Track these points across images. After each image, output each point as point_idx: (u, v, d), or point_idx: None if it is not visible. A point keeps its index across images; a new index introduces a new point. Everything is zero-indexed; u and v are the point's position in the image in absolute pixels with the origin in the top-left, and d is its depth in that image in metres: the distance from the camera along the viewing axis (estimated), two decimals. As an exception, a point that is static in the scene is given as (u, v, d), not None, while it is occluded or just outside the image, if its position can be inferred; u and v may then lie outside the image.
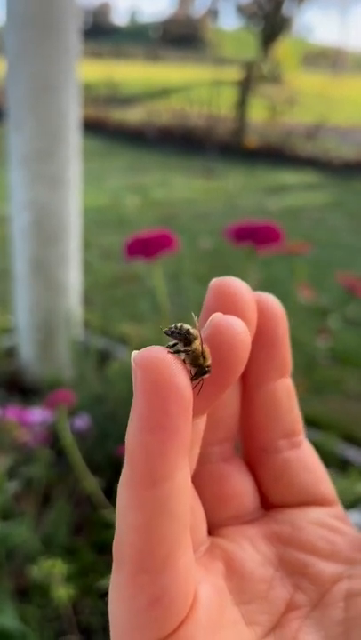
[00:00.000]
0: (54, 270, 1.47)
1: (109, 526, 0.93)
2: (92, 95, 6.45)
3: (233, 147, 5.43)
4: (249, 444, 0.22)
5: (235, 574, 0.19)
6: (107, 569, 0.97)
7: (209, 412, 0.19)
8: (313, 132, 5.82)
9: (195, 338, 0.17)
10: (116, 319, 1.94)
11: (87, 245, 2.50)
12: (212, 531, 0.21)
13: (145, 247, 0.49)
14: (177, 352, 0.16)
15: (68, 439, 0.81)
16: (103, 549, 1.05)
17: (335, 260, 2.72)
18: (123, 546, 0.16)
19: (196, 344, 0.17)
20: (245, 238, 0.59)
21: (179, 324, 0.17)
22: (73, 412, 1.06)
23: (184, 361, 0.16)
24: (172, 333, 0.17)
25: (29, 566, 0.86)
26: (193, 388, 0.16)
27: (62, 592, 0.80)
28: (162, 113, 6.43)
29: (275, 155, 5.37)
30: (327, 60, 13.36)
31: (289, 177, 4.75)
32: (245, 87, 5.82)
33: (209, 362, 0.17)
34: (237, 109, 5.81)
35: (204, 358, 0.17)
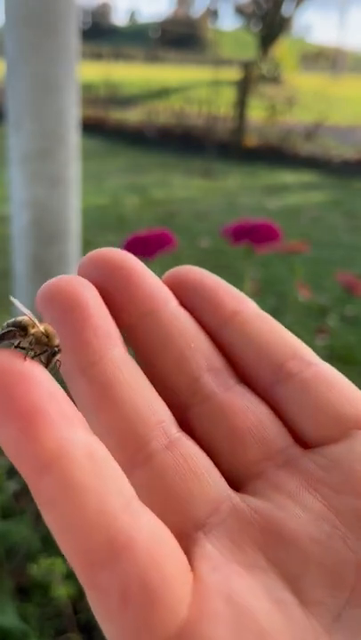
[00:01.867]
0: (54, 270, 1.47)
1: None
2: (92, 95, 6.45)
3: (232, 146, 5.43)
4: (254, 384, 0.18)
5: (275, 542, 0.14)
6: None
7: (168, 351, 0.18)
8: (312, 132, 5.83)
9: (26, 324, 0.16)
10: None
11: (87, 245, 2.50)
12: (236, 487, 0.16)
13: (144, 246, 0.49)
14: (17, 347, 0.16)
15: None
16: (103, 548, 1.05)
17: (334, 259, 2.72)
18: (62, 550, 0.13)
19: (32, 329, 0.16)
20: (244, 237, 0.59)
21: (10, 320, 0.17)
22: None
23: (33, 355, 0.15)
24: (4, 334, 0.16)
25: (29, 565, 0.86)
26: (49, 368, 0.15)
27: (62, 590, 0.81)
28: (161, 113, 6.43)
29: (274, 154, 5.37)
30: (326, 59, 13.37)
31: (288, 176, 4.76)
32: (244, 87, 5.83)
33: (56, 341, 0.16)
34: (236, 109, 5.81)
35: (47, 337, 0.16)
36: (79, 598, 0.96)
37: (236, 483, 0.16)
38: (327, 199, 4.12)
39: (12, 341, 0.16)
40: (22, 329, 0.16)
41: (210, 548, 0.14)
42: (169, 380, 0.17)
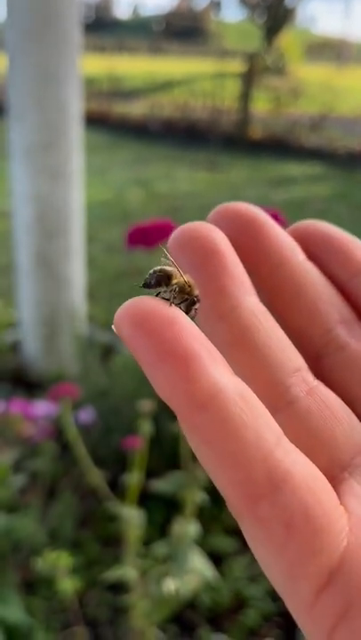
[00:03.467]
0: (58, 264, 1.47)
1: (115, 519, 0.93)
2: (95, 89, 6.43)
3: (237, 139, 5.40)
4: None
5: None
6: (112, 561, 0.97)
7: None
8: (317, 123, 5.79)
9: (171, 274, 0.17)
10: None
11: (91, 239, 2.49)
12: None
13: (146, 236, 0.48)
14: (159, 295, 0.16)
15: (73, 433, 0.81)
16: (108, 542, 1.05)
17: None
18: (219, 486, 0.14)
19: (175, 279, 0.16)
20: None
21: (150, 271, 0.17)
22: (77, 406, 1.06)
23: (175, 303, 0.16)
24: (149, 283, 0.17)
25: (35, 559, 0.86)
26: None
27: (68, 584, 0.81)
28: (165, 106, 6.40)
29: (279, 146, 5.34)
30: (331, 50, 13.26)
31: (293, 168, 4.73)
32: (249, 79, 5.79)
33: (196, 291, 0.16)
34: (241, 101, 5.78)
35: (190, 287, 0.16)
36: (85, 592, 0.96)
37: None
38: (333, 191, 4.09)
39: (158, 289, 0.17)
40: (168, 277, 0.17)
41: (356, 486, 0.15)
42: (301, 330, 0.18)
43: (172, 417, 0.78)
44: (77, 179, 1.45)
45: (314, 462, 0.15)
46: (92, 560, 1.01)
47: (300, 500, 0.13)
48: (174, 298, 0.16)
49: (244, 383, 0.14)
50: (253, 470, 0.13)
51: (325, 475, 0.15)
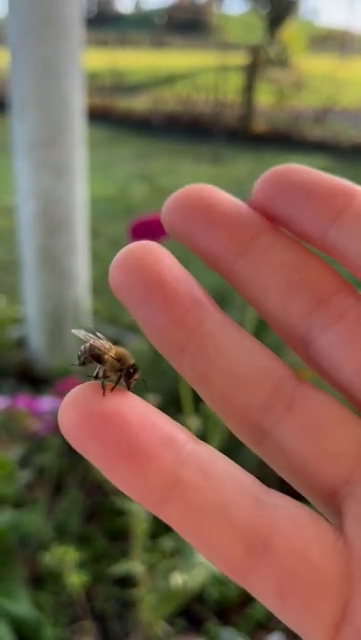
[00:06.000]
0: (62, 259, 1.47)
1: (121, 513, 0.93)
2: (98, 84, 6.41)
3: (240, 132, 5.38)
4: None
5: None
6: (120, 555, 0.98)
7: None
8: (321, 116, 5.76)
9: (98, 353, 0.16)
10: (124, 308, 1.93)
11: (95, 235, 2.49)
12: None
13: (149, 230, 0.48)
14: (96, 377, 0.16)
15: (78, 427, 0.81)
16: (116, 536, 1.06)
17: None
18: (206, 558, 0.14)
19: (106, 356, 0.16)
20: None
21: (81, 348, 0.17)
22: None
23: (110, 380, 0.16)
24: (83, 362, 0.17)
25: (42, 554, 0.86)
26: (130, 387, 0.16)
27: (75, 579, 0.81)
28: (168, 100, 6.38)
29: (283, 139, 5.32)
30: (335, 42, 13.18)
31: (298, 161, 4.65)
32: (252, 72, 5.76)
33: (130, 361, 0.16)
34: (244, 94, 5.75)
35: (121, 360, 0.16)
36: (93, 586, 0.97)
37: None
38: (337, 184, 4.07)
39: (90, 366, 0.16)
40: (96, 358, 0.16)
41: (355, 506, 0.14)
42: (280, 321, 0.16)
43: (178, 411, 0.78)
44: (81, 174, 1.44)
45: (311, 484, 0.14)
46: (99, 554, 1.01)
47: (287, 569, 0.13)
48: (107, 378, 0.16)
49: (205, 449, 0.14)
50: (233, 550, 0.13)
51: (327, 493, 0.14)
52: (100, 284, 1.89)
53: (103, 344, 0.17)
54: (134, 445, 0.13)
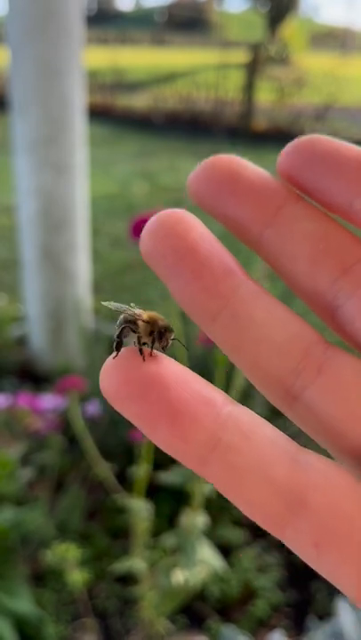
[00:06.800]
0: (63, 258, 1.47)
1: (123, 511, 0.93)
2: (98, 82, 6.40)
3: (241, 130, 5.37)
4: None
5: None
6: (121, 553, 0.98)
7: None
8: (322, 113, 5.75)
9: (134, 320, 0.17)
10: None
11: (96, 233, 2.49)
12: None
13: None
14: (143, 344, 0.16)
15: (80, 425, 0.81)
16: (117, 534, 1.06)
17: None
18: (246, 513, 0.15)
19: (138, 321, 0.17)
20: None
21: (117, 322, 0.17)
22: (84, 399, 1.06)
23: (143, 342, 0.16)
24: (120, 334, 0.17)
25: (44, 552, 0.86)
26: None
27: (77, 576, 0.81)
28: (168, 98, 6.37)
29: (283, 137, 5.23)
30: (335, 39, 13.15)
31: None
32: (252, 69, 5.75)
33: (160, 322, 0.17)
34: (245, 92, 5.74)
35: (152, 323, 0.16)
36: (94, 584, 0.97)
37: None
38: (338, 181, 4.07)
39: (130, 338, 0.17)
40: (133, 323, 0.17)
41: None
42: (308, 289, 0.16)
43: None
44: (81, 172, 1.44)
45: (340, 444, 0.15)
46: (100, 552, 1.01)
47: (322, 521, 0.14)
48: (145, 343, 0.16)
49: (243, 411, 0.14)
50: (272, 506, 0.14)
51: (356, 452, 0.15)
52: (100, 283, 1.89)
53: (134, 311, 0.17)
54: (175, 407, 0.14)
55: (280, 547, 1.08)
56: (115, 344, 0.16)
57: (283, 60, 7.78)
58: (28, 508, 0.96)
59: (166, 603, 0.82)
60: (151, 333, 0.16)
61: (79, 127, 1.40)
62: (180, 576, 0.73)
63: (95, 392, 1.15)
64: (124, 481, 0.90)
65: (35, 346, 1.56)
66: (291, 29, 8.97)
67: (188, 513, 0.75)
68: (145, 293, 2.10)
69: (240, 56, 6.13)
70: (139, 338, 0.16)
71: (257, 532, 1.11)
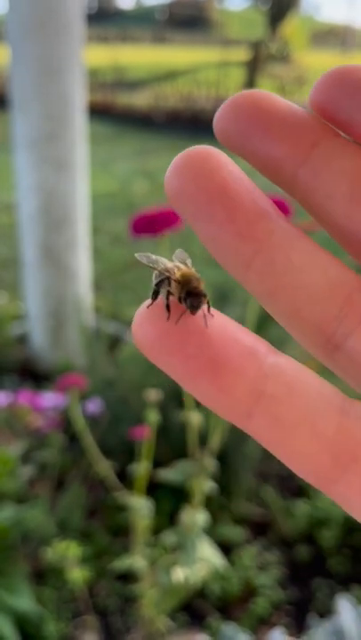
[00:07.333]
0: (63, 256, 1.47)
1: (123, 509, 0.93)
2: (99, 80, 6.40)
3: (242, 128, 5.37)
4: None
5: None
6: (121, 551, 0.98)
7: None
8: (323, 112, 5.74)
9: (164, 274, 0.16)
10: (126, 304, 1.93)
11: (96, 231, 2.49)
12: None
13: (150, 224, 0.48)
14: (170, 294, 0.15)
15: (81, 423, 0.81)
16: (117, 532, 1.06)
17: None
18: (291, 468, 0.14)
19: (173, 279, 0.16)
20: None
21: (153, 277, 0.16)
22: (85, 397, 1.06)
23: (173, 296, 0.15)
24: (156, 291, 0.16)
25: (45, 549, 0.87)
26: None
27: (77, 574, 0.81)
28: (169, 96, 6.37)
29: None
30: (336, 38, 13.13)
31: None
32: (253, 67, 5.75)
33: (193, 283, 0.15)
34: (246, 90, 5.74)
35: (182, 283, 0.15)
36: (95, 582, 0.97)
37: None
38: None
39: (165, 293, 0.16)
40: (166, 279, 0.16)
41: None
42: (343, 228, 0.15)
43: (180, 406, 0.78)
44: (82, 170, 1.44)
45: None
46: (101, 550, 1.01)
47: None
48: (180, 298, 0.15)
49: (288, 361, 0.14)
50: (320, 461, 0.13)
51: None
52: (101, 281, 1.89)
53: (167, 267, 0.16)
54: (216, 359, 0.13)
55: (281, 544, 1.08)
56: (152, 292, 0.16)
57: (284, 57, 7.77)
58: (28, 506, 0.96)
59: (167, 600, 0.82)
60: (186, 294, 0.15)
61: (80, 125, 1.40)
62: (180, 574, 0.73)
63: (96, 390, 1.15)
64: (125, 479, 0.90)
65: (35, 344, 1.56)
66: (292, 27, 8.95)
67: (189, 511, 0.75)
68: (146, 291, 2.10)
69: (241, 54, 6.12)
70: (169, 293, 0.15)
71: (257, 530, 1.11)
